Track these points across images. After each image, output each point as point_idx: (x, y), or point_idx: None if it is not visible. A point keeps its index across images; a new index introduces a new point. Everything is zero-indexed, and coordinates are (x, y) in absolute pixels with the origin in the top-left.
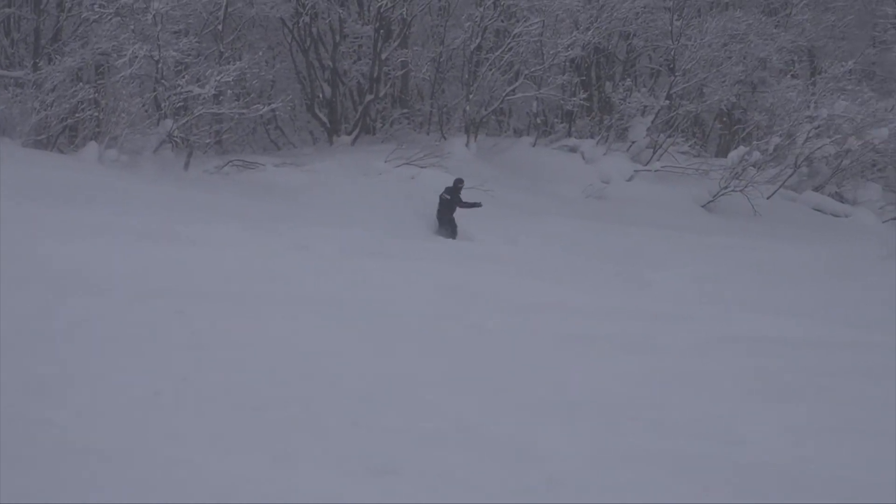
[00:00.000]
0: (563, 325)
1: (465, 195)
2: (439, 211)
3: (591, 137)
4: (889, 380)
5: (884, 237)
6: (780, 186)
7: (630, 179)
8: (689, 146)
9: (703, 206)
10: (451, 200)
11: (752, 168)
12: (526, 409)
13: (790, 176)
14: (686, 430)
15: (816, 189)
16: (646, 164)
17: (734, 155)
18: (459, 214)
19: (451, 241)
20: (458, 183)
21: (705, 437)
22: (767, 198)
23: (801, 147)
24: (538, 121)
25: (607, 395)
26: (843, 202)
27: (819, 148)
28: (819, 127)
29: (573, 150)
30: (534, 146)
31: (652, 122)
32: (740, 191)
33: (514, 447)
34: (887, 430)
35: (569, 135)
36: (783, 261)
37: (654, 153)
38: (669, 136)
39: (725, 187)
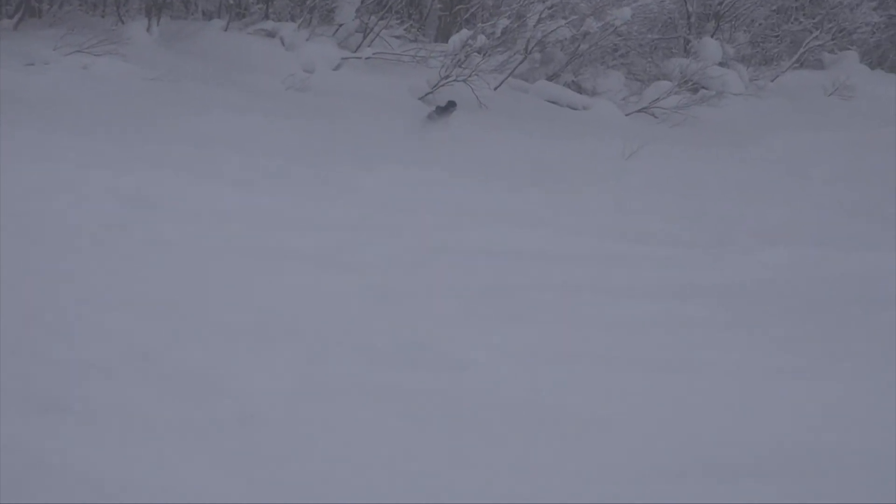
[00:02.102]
0: (253, 238)
1: None
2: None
3: (293, 20)
4: (633, 297)
5: (627, 132)
6: (509, 75)
7: (337, 68)
8: (405, 30)
9: (420, 99)
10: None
11: (476, 54)
12: (215, 335)
13: (520, 63)
14: (397, 357)
15: (551, 78)
16: (355, 51)
17: (456, 40)
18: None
19: None
20: (451, 106)
21: (420, 364)
22: (495, 88)
23: (533, 30)
24: (231, 1)
25: (304, 319)
26: (581, 93)
27: (553, 31)
28: (553, 7)
29: (272, 34)
30: (226, 30)
31: (362, 1)
32: (464, 80)
33: (201, 379)
34: (626, 356)
35: (266, 17)
36: (514, 159)
37: (364, 38)
38: (382, 19)
39: (447, 77)
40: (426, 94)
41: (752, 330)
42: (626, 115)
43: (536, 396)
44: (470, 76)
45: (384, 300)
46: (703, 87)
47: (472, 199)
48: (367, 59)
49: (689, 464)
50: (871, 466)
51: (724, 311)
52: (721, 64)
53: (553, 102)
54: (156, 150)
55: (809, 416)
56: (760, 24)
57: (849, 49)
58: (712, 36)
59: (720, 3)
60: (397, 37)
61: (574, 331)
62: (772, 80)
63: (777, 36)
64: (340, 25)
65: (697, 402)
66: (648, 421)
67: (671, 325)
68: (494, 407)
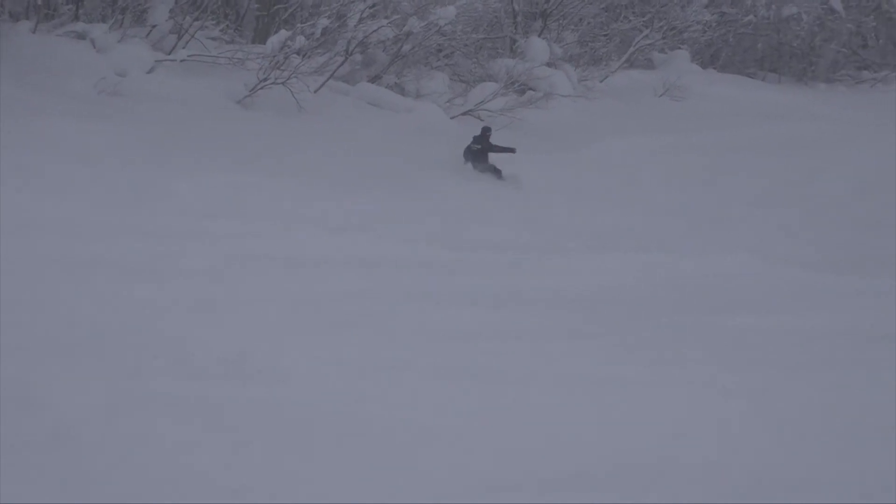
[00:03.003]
0: (66, 248)
1: None
2: (473, 159)
3: (104, 21)
4: (461, 306)
5: (453, 135)
6: (330, 77)
7: (151, 71)
8: (221, 31)
9: (238, 102)
10: (482, 149)
11: (295, 56)
12: (25, 348)
13: (341, 65)
14: (217, 370)
15: (373, 80)
16: (169, 53)
17: (274, 41)
18: None
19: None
20: (486, 132)
21: (240, 376)
22: (315, 91)
23: (354, 30)
24: (38, 1)
25: (119, 331)
26: (404, 95)
27: (374, 31)
28: (374, 6)
29: (82, 36)
30: (34, 32)
31: (175, 1)
32: (282, 83)
33: (12, 394)
34: (455, 366)
35: (76, 18)
36: (334, 165)
37: (178, 40)
38: (197, 20)
39: (265, 79)
40: (244, 98)
41: (583, 338)
42: (452, 117)
43: (360, 407)
44: (289, 79)
45: (203, 310)
46: (530, 89)
47: (292, 204)
48: (181, 61)
49: (519, 478)
50: (698, 478)
51: (556, 320)
52: (549, 64)
53: (375, 105)
54: None
55: (639, 426)
56: (589, 23)
57: (680, 48)
58: (539, 35)
59: (547, 2)
60: (213, 38)
61: (401, 340)
62: (601, 81)
63: (606, 35)
64: (154, 27)
65: (526, 414)
66: (476, 432)
67: (501, 333)
68: (316, 418)
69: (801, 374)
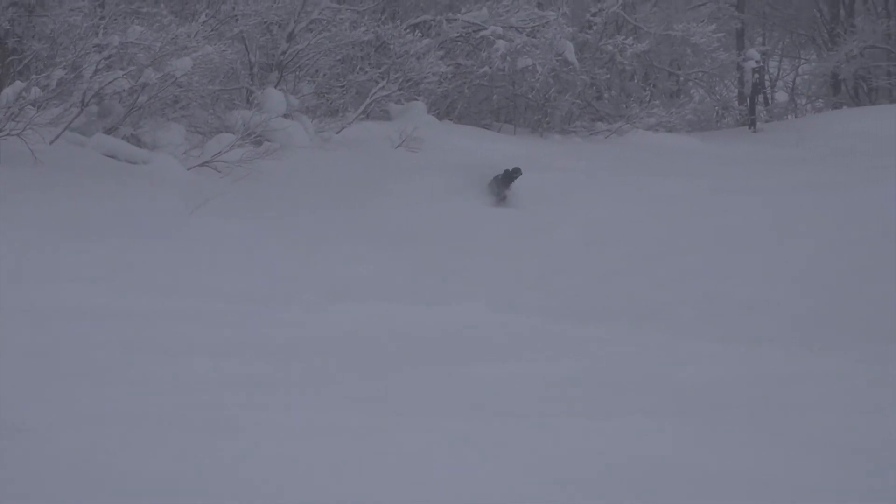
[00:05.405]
0: None
1: None
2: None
3: None
4: (193, 355)
5: (189, 187)
6: (66, 128)
7: None
8: None
9: None
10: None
11: (31, 107)
12: None
13: (77, 116)
14: None
15: (109, 131)
16: None
17: (9, 92)
18: None
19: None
20: (516, 173)
21: None
22: (51, 142)
23: (90, 81)
24: None
25: None
26: (140, 146)
27: (111, 82)
28: (111, 57)
29: None
30: None
31: None
32: (17, 134)
33: None
34: (188, 416)
35: None
36: (66, 215)
37: None
38: None
39: (0, 130)
40: None
41: (319, 388)
42: (188, 168)
43: (93, 460)
44: (24, 130)
45: None
46: (267, 140)
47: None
48: None
49: None
50: None
51: (290, 369)
52: (286, 115)
53: (112, 156)
54: None
55: (373, 479)
56: (325, 75)
57: (416, 99)
58: (276, 86)
59: (283, 53)
60: None
61: (135, 391)
62: (337, 132)
63: (343, 86)
64: None
65: (250, 463)
66: (206, 483)
67: (230, 383)
68: (53, 473)
69: (542, 423)
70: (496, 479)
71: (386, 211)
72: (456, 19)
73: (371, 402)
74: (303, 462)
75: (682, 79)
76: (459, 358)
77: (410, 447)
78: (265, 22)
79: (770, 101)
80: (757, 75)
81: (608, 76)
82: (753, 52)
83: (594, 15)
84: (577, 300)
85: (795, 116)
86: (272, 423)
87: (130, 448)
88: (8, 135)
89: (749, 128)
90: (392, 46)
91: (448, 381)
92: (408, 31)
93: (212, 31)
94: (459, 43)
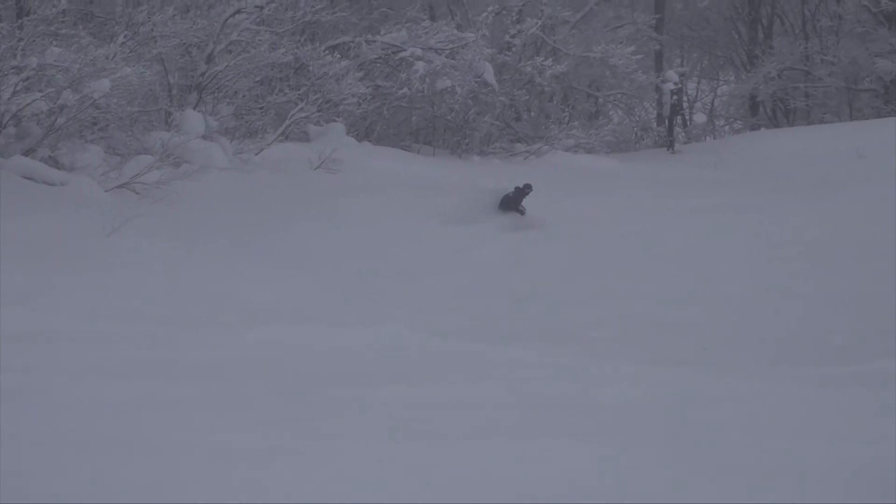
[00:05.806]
0: None
1: None
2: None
3: None
4: (114, 378)
5: (108, 209)
6: None
7: None
8: None
9: None
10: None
11: None
12: None
13: None
14: None
15: (27, 153)
16: None
17: None
18: None
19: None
20: (528, 189)
21: None
22: None
23: (7, 103)
24: None
25: None
26: (58, 168)
27: (29, 104)
28: (28, 79)
29: None
30: None
31: None
32: None
33: None
34: (108, 439)
35: None
36: None
37: None
38: None
39: None
40: None
41: (238, 409)
42: (107, 190)
43: (4, 483)
44: None
45: None
46: (185, 161)
47: None
48: None
49: None
50: None
51: (209, 390)
52: (204, 137)
53: (30, 178)
54: None
55: (289, 498)
56: (244, 96)
57: (335, 121)
58: (195, 108)
59: (202, 75)
60: None
61: (51, 414)
62: (256, 154)
63: (262, 108)
64: None
65: (168, 485)
66: None
67: (156, 405)
68: None
69: (460, 445)
70: (413, 502)
71: (306, 233)
72: (375, 41)
73: (289, 423)
74: (221, 483)
75: (600, 100)
76: (378, 380)
77: (328, 470)
78: (184, 43)
79: (689, 123)
80: (675, 97)
81: (527, 97)
82: (672, 74)
83: (513, 37)
84: (496, 321)
85: (714, 138)
86: (190, 445)
87: (44, 471)
88: None
89: (667, 149)
90: (311, 68)
91: (366, 404)
92: (327, 52)
93: (130, 52)
94: (379, 64)
